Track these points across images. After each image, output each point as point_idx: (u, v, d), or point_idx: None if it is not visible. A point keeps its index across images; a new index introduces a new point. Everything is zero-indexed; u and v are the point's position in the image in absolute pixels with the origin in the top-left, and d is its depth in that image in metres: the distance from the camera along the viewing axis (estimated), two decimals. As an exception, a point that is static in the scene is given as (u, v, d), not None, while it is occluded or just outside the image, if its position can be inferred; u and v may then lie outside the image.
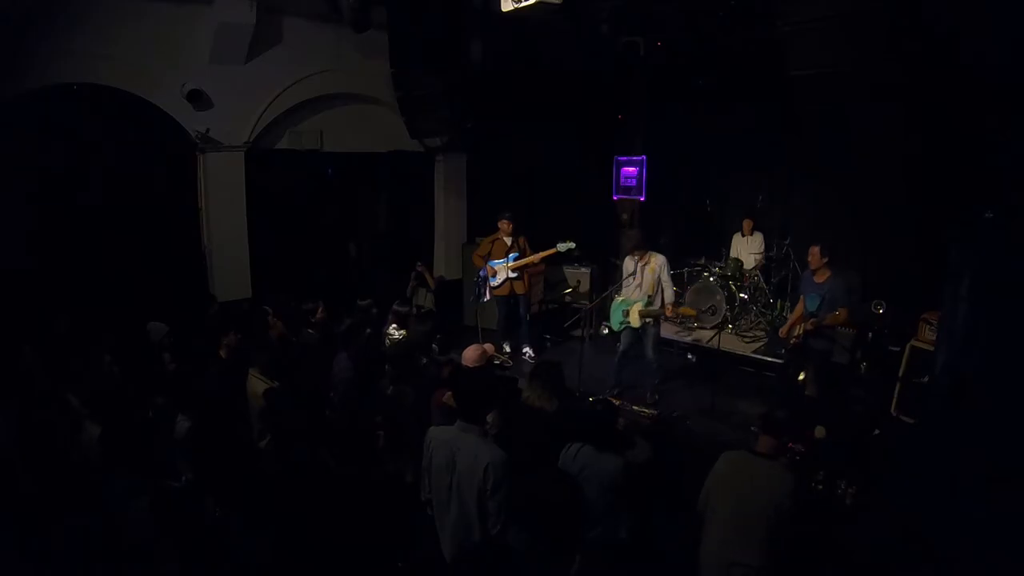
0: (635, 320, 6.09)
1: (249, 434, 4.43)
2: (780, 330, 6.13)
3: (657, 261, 6.13)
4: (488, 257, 7.35)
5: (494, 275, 7.30)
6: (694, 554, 3.13)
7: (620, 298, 6.30)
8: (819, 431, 4.42)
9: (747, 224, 8.46)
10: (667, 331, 8.02)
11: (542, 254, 7.24)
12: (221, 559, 3.31)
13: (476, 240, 9.04)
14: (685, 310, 6.28)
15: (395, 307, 5.73)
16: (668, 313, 6.09)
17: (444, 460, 2.99)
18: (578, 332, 7.18)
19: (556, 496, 2.79)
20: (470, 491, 2.88)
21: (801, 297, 5.91)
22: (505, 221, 7.25)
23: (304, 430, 4.09)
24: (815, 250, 5.59)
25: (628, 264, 6.26)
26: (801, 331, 5.65)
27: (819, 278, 5.57)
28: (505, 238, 7.31)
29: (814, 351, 5.64)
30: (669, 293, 6.15)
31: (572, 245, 7.16)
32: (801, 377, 5.66)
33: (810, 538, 3.43)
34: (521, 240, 7.34)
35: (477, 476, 2.84)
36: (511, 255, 7.24)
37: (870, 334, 6.47)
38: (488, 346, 4.48)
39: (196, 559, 3.21)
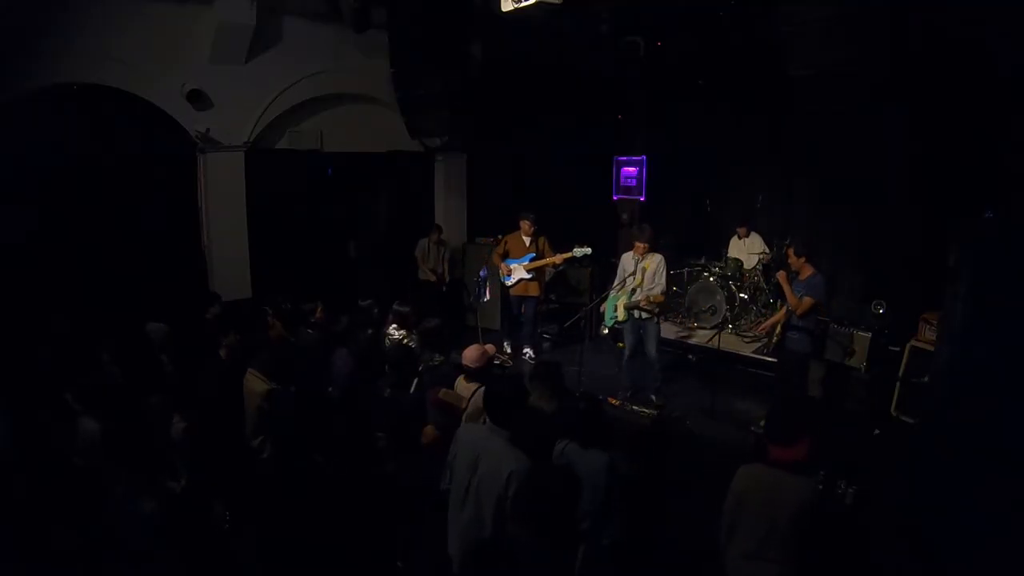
0: (622, 313, 6.09)
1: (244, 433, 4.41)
2: (758, 327, 6.11)
3: (655, 260, 6.06)
4: (506, 256, 7.35)
5: (509, 274, 7.28)
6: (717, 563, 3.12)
7: (613, 295, 6.26)
8: None
9: (742, 230, 8.46)
10: (667, 331, 8.02)
11: (559, 257, 7.20)
12: (221, 560, 3.31)
13: (476, 240, 9.06)
14: (656, 297, 6.22)
15: (395, 307, 5.72)
16: (643, 303, 6.03)
17: (467, 460, 2.98)
18: (578, 332, 7.17)
19: (554, 488, 2.77)
20: (489, 495, 2.86)
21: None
22: (527, 221, 7.24)
23: (303, 432, 4.09)
24: (789, 251, 5.66)
25: (627, 262, 6.15)
26: (779, 328, 5.69)
27: (802, 276, 5.61)
28: (524, 237, 7.30)
29: (792, 351, 5.65)
30: (658, 290, 6.07)
31: (588, 251, 7.09)
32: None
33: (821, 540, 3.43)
34: (540, 241, 7.31)
35: (499, 482, 2.82)
36: (527, 255, 7.24)
37: (870, 334, 6.46)
38: (489, 347, 4.47)
39: (198, 560, 3.21)
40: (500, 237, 7.48)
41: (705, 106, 8.56)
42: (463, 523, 2.96)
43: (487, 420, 3.11)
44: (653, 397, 6.28)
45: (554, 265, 7.35)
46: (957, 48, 5.22)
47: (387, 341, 5.46)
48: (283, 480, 4.02)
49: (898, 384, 5.94)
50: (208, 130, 6.92)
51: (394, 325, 5.57)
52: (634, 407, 6.00)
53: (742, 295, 8.16)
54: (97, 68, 6.17)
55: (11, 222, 5.81)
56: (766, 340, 7.12)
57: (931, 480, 4.17)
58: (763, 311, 8.09)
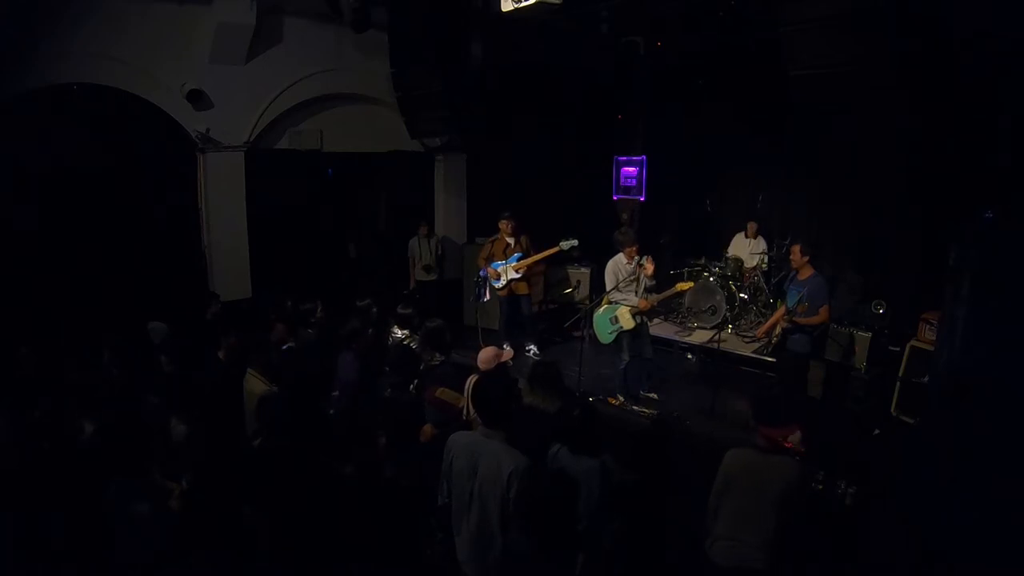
0: (629, 322, 6.03)
1: (245, 434, 4.40)
2: (758, 331, 6.13)
3: (645, 258, 6.03)
4: (490, 259, 7.34)
5: (497, 277, 7.28)
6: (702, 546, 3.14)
7: (601, 309, 6.12)
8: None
9: (751, 227, 8.44)
10: (667, 331, 8.03)
11: (546, 253, 7.24)
12: (218, 560, 3.31)
13: (476, 240, 9.05)
14: (675, 292, 6.22)
15: (399, 310, 5.72)
16: (643, 305, 6.03)
17: (465, 465, 2.96)
18: (578, 332, 7.17)
19: (550, 491, 2.77)
20: (492, 498, 2.85)
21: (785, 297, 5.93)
22: (505, 222, 7.25)
23: (302, 434, 4.07)
24: (796, 249, 5.61)
25: (622, 266, 6.00)
26: (779, 329, 5.67)
27: (801, 276, 5.59)
28: (507, 238, 7.31)
29: (791, 351, 5.64)
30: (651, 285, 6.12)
31: (575, 243, 7.15)
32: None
33: (811, 535, 3.43)
34: (523, 240, 7.33)
35: (500, 483, 2.80)
36: (513, 256, 7.24)
37: (870, 334, 6.47)
38: (507, 352, 4.46)
39: (196, 560, 3.21)
40: (493, 239, 7.47)
41: (705, 106, 8.57)
42: (471, 529, 2.94)
43: (480, 423, 3.10)
44: (654, 395, 6.28)
45: (540, 260, 7.36)
46: (958, 47, 5.22)
47: (391, 341, 5.46)
48: (281, 482, 4.01)
49: (898, 384, 5.94)
50: (208, 130, 6.92)
51: (396, 326, 5.57)
52: (634, 407, 6.02)
53: (742, 295, 8.15)
54: (97, 68, 6.17)
55: (11, 222, 5.81)
56: (766, 341, 7.12)
57: (931, 480, 4.17)
58: (763, 311, 8.08)
